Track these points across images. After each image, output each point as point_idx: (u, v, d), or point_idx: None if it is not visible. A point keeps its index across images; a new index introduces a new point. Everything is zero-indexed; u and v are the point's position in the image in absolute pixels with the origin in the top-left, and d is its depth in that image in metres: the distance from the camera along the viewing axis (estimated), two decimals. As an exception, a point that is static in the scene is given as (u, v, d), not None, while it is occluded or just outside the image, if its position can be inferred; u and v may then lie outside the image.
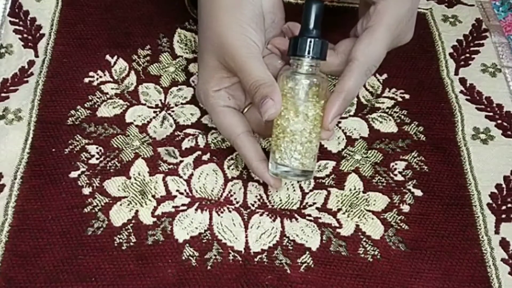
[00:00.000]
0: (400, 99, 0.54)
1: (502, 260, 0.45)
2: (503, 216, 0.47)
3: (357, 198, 0.47)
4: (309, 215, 0.46)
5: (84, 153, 0.48)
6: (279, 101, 0.41)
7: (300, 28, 0.42)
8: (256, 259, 0.44)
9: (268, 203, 0.46)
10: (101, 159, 0.48)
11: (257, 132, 0.47)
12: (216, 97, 0.45)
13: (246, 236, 0.45)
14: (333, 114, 0.42)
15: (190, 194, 0.46)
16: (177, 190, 0.47)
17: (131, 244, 0.44)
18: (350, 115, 0.53)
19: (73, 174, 0.47)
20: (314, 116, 0.42)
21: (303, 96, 0.41)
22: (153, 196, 0.46)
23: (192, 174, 0.47)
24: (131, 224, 0.45)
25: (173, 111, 0.51)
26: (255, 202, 0.46)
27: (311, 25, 0.42)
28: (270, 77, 0.42)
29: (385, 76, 0.55)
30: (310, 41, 0.41)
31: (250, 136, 0.45)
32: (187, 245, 0.44)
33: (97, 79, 0.52)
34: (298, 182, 0.48)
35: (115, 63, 0.54)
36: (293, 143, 0.42)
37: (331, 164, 0.49)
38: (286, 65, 0.45)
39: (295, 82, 0.42)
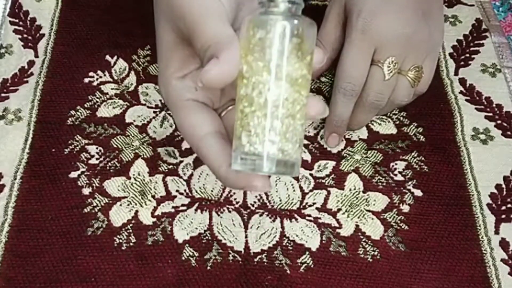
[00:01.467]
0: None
1: (502, 260, 0.45)
2: (503, 216, 0.47)
3: (357, 198, 0.47)
4: (309, 215, 0.46)
5: (84, 153, 0.48)
6: (231, 59, 0.29)
7: None
8: (256, 259, 0.44)
9: (268, 203, 0.46)
10: (101, 159, 0.48)
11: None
12: (180, 87, 0.35)
13: (246, 236, 0.45)
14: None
15: (190, 194, 0.46)
16: (177, 190, 0.47)
17: (131, 244, 0.44)
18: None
19: (73, 174, 0.47)
20: (298, 78, 0.29)
21: (281, 48, 0.28)
22: (153, 196, 0.46)
23: (192, 175, 0.47)
24: (131, 224, 0.45)
25: (173, 111, 0.51)
26: (255, 202, 0.46)
27: None
28: (229, 33, 0.31)
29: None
30: None
31: (218, 137, 0.34)
32: (187, 245, 0.44)
33: (97, 79, 0.52)
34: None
35: (115, 63, 0.54)
36: (268, 118, 0.29)
37: (331, 164, 0.49)
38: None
39: (267, 28, 0.29)
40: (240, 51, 0.29)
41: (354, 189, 0.48)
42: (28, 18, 0.56)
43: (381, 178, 0.49)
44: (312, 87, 0.54)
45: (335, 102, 0.47)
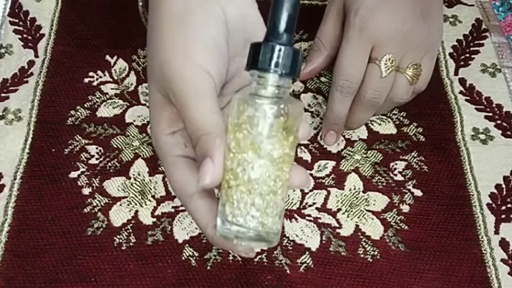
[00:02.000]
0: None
1: (502, 260, 0.45)
2: (503, 216, 0.47)
3: (357, 198, 0.47)
4: (309, 215, 0.46)
5: (84, 153, 0.48)
6: (222, 161, 0.30)
7: (266, 32, 0.30)
8: (255, 259, 0.44)
9: (268, 203, 0.46)
10: (101, 159, 0.48)
11: None
12: (169, 143, 0.35)
13: (246, 236, 0.45)
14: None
15: (190, 194, 0.46)
16: (177, 190, 0.47)
17: (131, 244, 0.44)
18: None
19: (73, 174, 0.47)
20: (281, 157, 0.30)
21: (266, 130, 0.29)
22: (153, 196, 0.46)
23: (192, 174, 0.47)
24: (131, 224, 0.45)
25: (173, 111, 0.51)
26: (255, 202, 0.46)
27: (281, 27, 0.29)
28: (218, 124, 0.31)
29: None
30: (279, 50, 0.29)
31: (206, 197, 0.33)
32: (187, 245, 0.44)
33: (97, 79, 0.52)
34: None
35: (115, 63, 0.54)
36: (250, 194, 0.30)
37: (331, 164, 0.49)
38: (243, 87, 0.35)
39: (254, 108, 0.30)
40: (229, 126, 0.31)
41: (354, 189, 0.48)
42: (28, 18, 0.56)
43: (381, 178, 0.49)
44: (312, 87, 0.54)
45: (332, 99, 0.47)
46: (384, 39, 0.45)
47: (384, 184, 0.48)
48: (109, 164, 0.48)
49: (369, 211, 0.47)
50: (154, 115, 0.35)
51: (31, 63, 0.53)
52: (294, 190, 0.47)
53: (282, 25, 0.29)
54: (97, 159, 0.48)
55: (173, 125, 0.35)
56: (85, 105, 0.51)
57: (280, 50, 0.29)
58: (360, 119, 0.49)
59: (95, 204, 0.45)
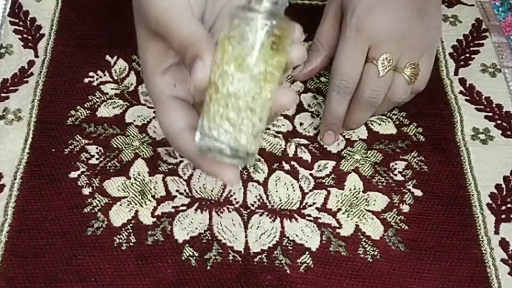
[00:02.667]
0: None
1: (502, 260, 0.45)
2: (503, 216, 0.47)
3: (357, 198, 0.47)
4: (309, 215, 0.46)
5: (84, 153, 0.48)
6: (210, 62, 0.30)
7: None
8: (255, 259, 0.44)
9: (267, 203, 0.46)
10: (101, 159, 0.48)
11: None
12: (160, 83, 0.36)
13: (246, 236, 0.45)
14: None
15: (189, 194, 0.46)
16: (177, 190, 0.47)
17: (131, 244, 0.44)
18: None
19: (73, 174, 0.47)
20: (262, 74, 0.29)
21: (255, 46, 0.29)
22: (153, 196, 0.46)
23: (192, 174, 0.47)
24: (131, 224, 0.45)
25: (173, 111, 0.51)
26: (254, 202, 0.46)
27: None
28: (202, 31, 0.32)
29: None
30: None
31: (192, 130, 0.34)
32: (187, 245, 0.44)
33: (97, 79, 0.52)
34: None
35: (115, 63, 0.54)
36: (227, 108, 0.30)
37: (331, 164, 0.49)
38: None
39: (246, 23, 0.29)
40: (218, 39, 0.30)
41: (354, 189, 0.48)
42: (28, 18, 0.56)
43: (381, 178, 0.49)
44: (312, 87, 0.54)
45: (329, 99, 0.47)
46: (381, 38, 0.45)
47: (384, 184, 0.48)
48: (109, 164, 0.48)
49: (369, 211, 0.47)
50: (143, 54, 0.36)
51: (31, 63, 0.53)
52: (294, 190, 0.47)
53: None
54: (97, 159, 0.48)
55: (162, 61, 0.35)
56: (85, 105, 0.51)
57: None
58: (358, 119, 0.49)
59: (95, 204, 0.45)
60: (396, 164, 0.49)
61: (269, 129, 0.50)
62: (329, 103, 0.48)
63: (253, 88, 0.29)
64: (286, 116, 0.51)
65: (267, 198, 0.47)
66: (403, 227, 0.46)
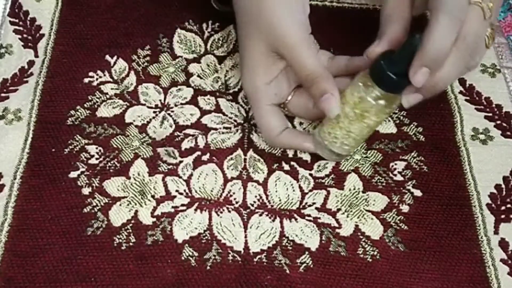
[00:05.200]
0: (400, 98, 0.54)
1: (501, 260, 0.45)
2: (503, 216, 0.47)
3: (356, 198, 0.47)
4: (309, 215, 0.46)
5: (83, 153, 0.48)
6: (338, 95, 0.43)
7: (395, 55, 0.41)
8: (255, 259, 0.44)
9: (267, 203, 0.47)
10: (101, 159, 0.48)
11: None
12: (265, 92, 0.46)
13: (246, 236, 0.45)
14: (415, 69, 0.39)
15: (189, 194, 0.46)
16: (177, 191, 0.47)
17: (131, 244, 0.44)
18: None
19: (73, 174, 0.47)
20: (376, 124, 0.44)
21: (371, 110, 0.43)
22: (153, 196, 0.46)
23: (191, 175, 0.48)
24: (130, 224, 0.45)
25: (172, 112, 0.51)
26: (254, 202, 0.47)
27: (404, 62, 0.40)
28: (325, 69, 0.43)
29: None
30: (396, 81, 0.41)
31: (287, 131, 0.47)
32: (187, 245, 0.44)
33: (96, 79, 0.53)
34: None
35: (114, 63, 0.54)
36: (348, 137, 0.45)
37: (331, 164, 0.49)
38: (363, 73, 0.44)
39: (365, 94, 0.42)
40: (350, 91, 0.44)
41: (354, 189, 0.48)
42: (28, 18, 0.56)
43: (380, 178, 0.49)
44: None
45: (437, 26, 0.39)
46: None
47: (384, 184, 0.48)
48: (109, 164, 0.48)
49: (368, 211, 0.47)
50: (252, 65, 0.45)
51: (31, 63, 0.53)
52: (293, 190, 0.47)
53: (406, 60, 0.40)
54: (97, 159, 0.48)
55: (269, 73, 0.45)
56: (85, 105, 0.51)
57: (396, 81, 0.41)
58: (451, 73, 0.43)
59: (94, 204, 0.45)
60: (395, 164, 0.49)
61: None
62: (437, 32, 0.39)
63: (368, 131, 0.44)
64: (286, 116, 0.50)
65: (267, 198, 0.47)
66: (402, 227, 0.46)
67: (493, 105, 0.54)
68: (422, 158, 0.50)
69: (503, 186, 0.49)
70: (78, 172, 0.47)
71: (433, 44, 0.39)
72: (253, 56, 0.45)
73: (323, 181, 0.48)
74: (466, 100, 0.54)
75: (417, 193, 0.48)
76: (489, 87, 0.55)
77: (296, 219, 0.46)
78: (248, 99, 0.49)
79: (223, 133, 0.50)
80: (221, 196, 0.47)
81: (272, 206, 0.46)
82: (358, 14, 0.59)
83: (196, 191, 0.47)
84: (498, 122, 0.53)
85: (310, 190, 0.48)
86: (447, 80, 0.43)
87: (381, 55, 0.42)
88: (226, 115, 0.51)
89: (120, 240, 0.44)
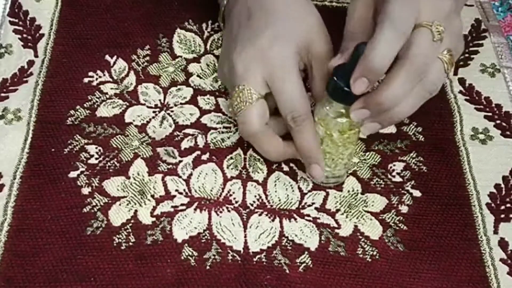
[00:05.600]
0: None
1: (501, 260, 0.45)
2: (502, 216, 0.47)
3: (355, 199, 0.47)
4: (308, 215, 0.46)
5: (83, 153, 0.48)
6: (323, 166, 0.45)
7: (345, 68, 0.41)
8: (255, 259, 0.44)
9: (267, 203, 0.47)
10: (101, 159, 0.48)
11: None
12: (260, 120, 0.45)
13: (245, 236, 0.45)
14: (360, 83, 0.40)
15: (189, 194, 0.47)
16: (176, 190, 0.47)
17: (130, 244, 0.44)
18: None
19: (72, 174, 0.47)
20: (346, 140, 0.44)
21: (334, 133, 0.44)
22: (152, 196, 0.46)
23: (191, 174, 0.48)
24: (130, 224, 0.45)
25: (172, 111, 0.51)
26: (254, 202, 0.47)
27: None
28: (307, 106, 0.44)
29: (383, 76, 0.55)
30: (346, 91, 0.41)
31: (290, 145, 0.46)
32: (186, 245, 0.44)
33: (96, 79, 0.53)
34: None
35: (114, 63, 0.54)
36: (325, 159, 0.46)
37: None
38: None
39: (327, 111, 0.44)
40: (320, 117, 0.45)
41: (353, 190, 0.48)
42: (28, 18, 0.56)
43: (379, 180, 0.49)
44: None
45: (380, 38, 0.40)
46: (430, 10, 0.42)
47: (383, 185, 0.48)
48: (109, 163, 0.48)
49: (367, 212, 0.47)
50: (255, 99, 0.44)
51: (30, 63, 0.53)
52: (293, 190, 0.47)
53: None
54: (96, 158, 0.48)
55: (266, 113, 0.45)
56: (85, 105, 0.51)
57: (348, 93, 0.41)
58: (400, 91, 0.42)
59: (94, 204, 0.45)
60: (394, 165, 0.49)
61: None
62: (379, 44, 0.39)
63: (340, 149, 0.45)
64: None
65: (266, 198, 0.47)
66: (402, 227, 0.46)
67: (493, 105, 0.54)
68: (421, 158, 0.50)
69: (502, 185, 0.49)
70: (78, 172, 0.47)
71: (375, 54, 0.39)
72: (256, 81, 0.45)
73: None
74: (465, 99, 0.54)
75: (416, 193, 0.48)
76: (488, 86, 0.55)
77: (295, 219, 0.46)
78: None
79: (222, 132, 0.50)
80: (220, 195, 0.47)
81: (271, 206, 0.46)
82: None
83: (195, 191, 0.47)
84: (498, 121, 0.53)
85: (309, 191, 0.48)
86: (403, 108, 0.43)
87: (335, 68, 0.43)
88: (226, 115, 0.51)
89: (120, 240, 0.44)
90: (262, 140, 0.45)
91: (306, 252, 0.44)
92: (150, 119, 0.51)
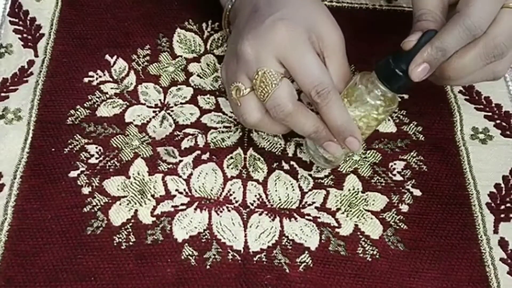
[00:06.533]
0: (399, 99, 0.54)
1: (501, 259, 0.45)
2: (502, 215, 0.47)
3: (356, 198, 0.47)
4: (308, 215, 0.46)
5: (83, 152, 0.48)
6: (360, 137, 0.43)
7: (404, 54, 0.40)
8: (255, 259, 0.44)
9: (267, 203, 0.47)
10: (101, 158, 0.48)
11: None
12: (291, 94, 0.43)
13: (245, 236, 0.45)
14: (418, 61, 0.39)
15: (189, 194, 0.47)
16: (177, 190, 0.47)
17: (131, 243, 0.44)
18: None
19: (73, 174, 0.47)
20: (365, 127, 0.43)
21: (366, 104, 0.42)
22: (153, 196, 0.46)
23: (191, 174, 0.48)
24: (130, 224, 0.45)
25: (172, 111, 0.51)
26: (254, 201, 0.47)
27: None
28: (330, 78, 0.42)
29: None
30: (402, 77, 0.40)
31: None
32: (186, 244, 0.44)
33: (96, 78, 0.53)
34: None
35: (114, 63, 0.54)
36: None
37: (330, 164, 0.49)
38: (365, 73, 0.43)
39: (364, 94, 0.42)
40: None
41: (353, 189, 0.48)
42: (28, 18, 0.56)
43: (380, 178, 0.49)
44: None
45: (451, 30, 0.40)
46: None
47: (383, 184, 0.48)
48: (109, 163, 0.48)
49: (368, 210, 0.47)
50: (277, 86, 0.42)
51: (31, 63, 0.53)
52: (293, 189, 0.47)
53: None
54: (96, 158, 0.48)
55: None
56: (85, 105, 0.51)
57: (402, 80, 0.41)
58: (469, 67, 0.41)
59: (94, 204, 0.45)
60: (395, 164, 0.49)
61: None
62: (448, 35, 0.39)
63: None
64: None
65: (267, 197, 0.47)
66: (402, 226, 0.46)
67: (493, 105, 0.54)
68: (422, 158, 0.50)
69: (502, 185, 0.49)
70: (78, 171, 0.47)
71: (439, 46, 0.40)
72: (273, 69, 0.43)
73: (322, 181, 0.48)
74: (465, 99, 0.54)
75: (417, 192, 0.48)
76: (488, 86, 0.55)
77: (295, 219, 0.46)
78: None
79: (223, 132, 0.50)
80: (221, 195, 0.47)
81: (271, 205, 0.46)
82: (358, 14, 0.59)
83: (196, 190, 0.47)
84: (498, 121, 0.53)
85: (310, 190, 0.48)
86: (463, 81, 0.43)
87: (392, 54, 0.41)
88: (226, 114, 0.51)
89: (120, 240, 0.44)
90: (299, 117, 0.42)
91: (306, 252, 0.44)
92: (150, 119, 0.51)
